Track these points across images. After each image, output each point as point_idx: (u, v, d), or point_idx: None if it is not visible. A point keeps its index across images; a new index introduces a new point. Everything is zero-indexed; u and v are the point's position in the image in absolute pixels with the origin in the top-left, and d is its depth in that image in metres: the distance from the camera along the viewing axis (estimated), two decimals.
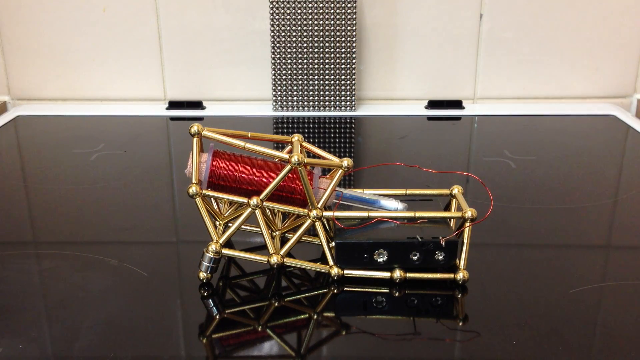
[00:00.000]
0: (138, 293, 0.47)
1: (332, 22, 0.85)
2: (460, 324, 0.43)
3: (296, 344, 0.42)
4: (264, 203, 0.46)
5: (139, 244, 0.54)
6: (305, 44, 0.86)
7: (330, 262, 0.47)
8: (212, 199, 0.49)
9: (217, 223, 0.50)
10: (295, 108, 0.89)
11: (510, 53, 0.91)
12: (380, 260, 0.47)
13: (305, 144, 0.49)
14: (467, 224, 0.47)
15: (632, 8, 0.89)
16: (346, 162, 0.47)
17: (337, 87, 0.88)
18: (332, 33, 0.85)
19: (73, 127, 0.86)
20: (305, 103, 0.89)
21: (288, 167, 0.45)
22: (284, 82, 0.88)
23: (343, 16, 0.85)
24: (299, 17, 0.85)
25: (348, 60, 0.86)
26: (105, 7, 0.90)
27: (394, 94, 0.94)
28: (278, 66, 0.87)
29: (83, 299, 0.46)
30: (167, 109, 0.92)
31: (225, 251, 0.47)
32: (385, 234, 0.47)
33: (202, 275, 0.47)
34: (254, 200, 0.46)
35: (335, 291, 0.47)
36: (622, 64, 0.92)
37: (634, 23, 0.90)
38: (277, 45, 0.86)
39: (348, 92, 0.88)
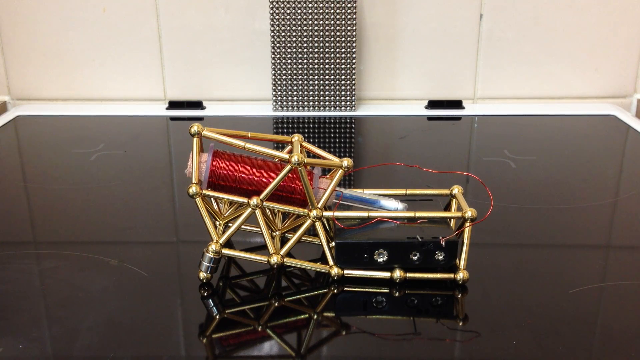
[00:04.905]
0: (138, 293, 0.47)
1: (332, 22, 0.85)
2: (460, 324, 0.43)
3: (296, 344, 0.42)
4: (264, 203, 0.46)
5: (139, 244, 0.54)
6: (305, 44, 0.86)
7: (330, 262, 0.47)
8: (212, 199, 0.50)
9: (217, 223, 0.50)
10: (295, 108, 0.89)
11: (510, 53, 0.91)
12: (380, 260, 0.47)
13: (305, 144, 0.49)
14: (467, 224, 0.47)
15: (632, 8, 0.89)
16: (346, 162, 0.47)
17: (337, 87, 0.88)
18: (332, 33, 0.85)
19: (73, 127, 0.86)
20: (305, 103, 0.89)
21: (288, 167, 0.45)
22: (284, 82, 0.88)
23: (343, 16, 0.85)
24: (299, 17, 0.85)
25: (348, 60, 0.86)
26: (105, 7, 0.90)
27: (394, 94, 0.94)
28: (278, 66, 0.87)
29: (83, 299, 0.46)
30: (167, 109, 0.92)
31: (225, 251, 0.47)
32: (385, 234, 0.47)
33: (202, 275, 0.47)
34: (254, 200, 0.46)
35: (335, 291, 0.47)
36: (622, 64, 0.92)
37: (634, 23, 0.90)
38: (277, 45, 0.86)
39: (348, 92, 0.88)
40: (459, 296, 0.46)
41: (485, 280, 0.48)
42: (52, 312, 0.44)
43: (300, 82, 0.88)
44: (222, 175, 0.46)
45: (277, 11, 0.85)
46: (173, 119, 0.89)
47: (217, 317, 0.45)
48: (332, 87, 0.88)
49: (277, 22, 0.85)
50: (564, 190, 0.65)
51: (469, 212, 0.47)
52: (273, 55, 0.86)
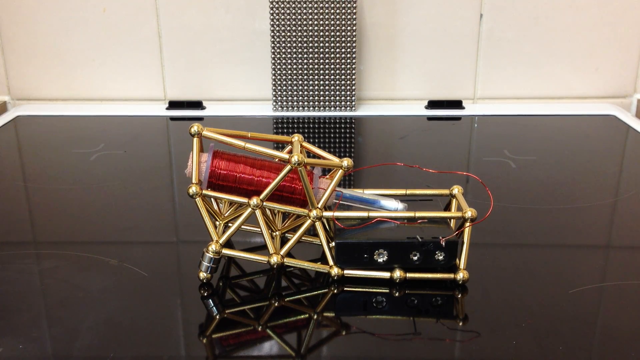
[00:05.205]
0: (138, 293, 0.47)
1: (332, 22, 0.85)
2: (460, 324, 0.43)
3: (296, 344, 0.42)
4: (264, 203, 0.46)
5: (139, 244, 0.54)
6: (305, 44, 0.86)
7: (330, 262, 0.47)
8: (212, 199, 0.50)
9: (217, 223, 0.50)
10: (295, 108, 0.89)
11: (510, 53, 0.91)
12: (380, 260, 0.47)
13: (305, 144, 0.49)
14: (467, 224, 0.47)
15: (632, 8, 0.89)
16: (346, 162, 0.47)
17: (337, 87, 0.88)
18: (332, 33, 0.85)
19: (73, 127, 0.86)
20: (305, 103, 0.89)
21: (288, 167, 0.45)
22: (284, 82, 0.88)
23: (343, 16, 0.85)
24: (299, 17, 0.85)
25: (348, 60, 0.86)
26: (105, 7, 0.90)
27: (394, 94, 0.94)
28: (278, 66, 0.87)
29: (83, 299, 0.46)
30: (167, 109, 0.92)
31: (225, 251, 0.47)
32: (385, 234, 0.47)
33: (202, 275, 0.47)
34: (254, 200, 0.46)
35: (335, 291, 0.47)
36: (622, 64, 0.92)
37: (634, 23, 0.90)
38: (277, 45, 0.86)
39: (348, 92, 0.88)
40: (459, 296, 0.46)
41: (485, 280, 0.48)
42: (52, 312, 0.44)
43: (300, 82, 0.88)
44: (222, 175, 0.46)
45: (277, 11, 0.85)
46: (173, 119, 0.89)
47: (217, 317, 0.45)
48: (332, 87, 0.88)
49: (277, 22, 0.85)
50: (564, 190, 0.65)
51: (469, 212, 0.47)
52: (273, 55, 0.86)
